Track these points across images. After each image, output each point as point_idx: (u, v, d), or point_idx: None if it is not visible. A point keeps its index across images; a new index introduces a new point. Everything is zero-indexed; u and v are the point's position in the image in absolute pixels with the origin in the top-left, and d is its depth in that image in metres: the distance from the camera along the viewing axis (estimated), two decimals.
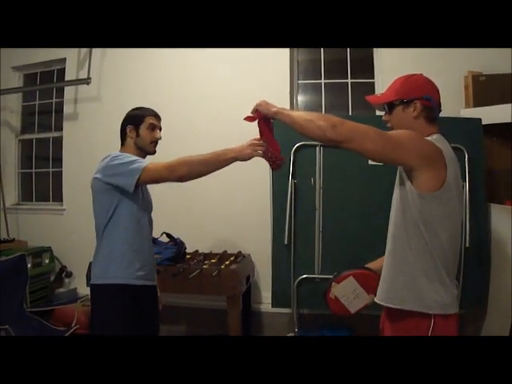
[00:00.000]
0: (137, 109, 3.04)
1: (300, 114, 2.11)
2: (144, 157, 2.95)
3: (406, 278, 2.12)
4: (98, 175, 2.78)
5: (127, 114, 3.01)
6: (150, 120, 2.95)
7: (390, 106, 2.25)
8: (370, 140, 1.98)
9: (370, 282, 2.49)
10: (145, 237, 2.92)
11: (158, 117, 3.03)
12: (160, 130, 3.02)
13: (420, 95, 2.17)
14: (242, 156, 2.63)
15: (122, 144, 3.00)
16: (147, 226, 2.97)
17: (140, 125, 2.93)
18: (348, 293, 2.59)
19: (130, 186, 2.68)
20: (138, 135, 2.93)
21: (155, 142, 2.98)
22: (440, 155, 2.04)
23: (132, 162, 2.71)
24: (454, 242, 2.15)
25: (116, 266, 2.80)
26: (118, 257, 2.80)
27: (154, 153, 3.00)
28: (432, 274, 2.09)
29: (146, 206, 2.97)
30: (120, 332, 2.68)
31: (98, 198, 2.84)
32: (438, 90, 2.22)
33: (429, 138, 2.12)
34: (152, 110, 3.02)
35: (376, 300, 2.26)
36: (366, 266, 2.61)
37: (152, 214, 3.08)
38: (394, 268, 2.19)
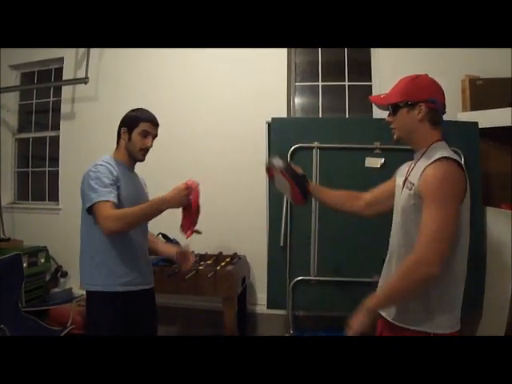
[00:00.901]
0: (135, 110, 2.94)
1: (395, 284, 2.07)
2: (133, 164, 2.94)
3: (419, 300, 2.08)
4: (82, 181, 2.76)
5: (125, 115, 2.93)
6: (144, 126, 2.85)
7: (394, 108, 2.22)
8: (449, 243, 2.00)
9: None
10: (128, 242, 2.82)
11: (154, 123, 2.91)
12: (154, 137, 2.93)
13: (426, 98, 2.14)
14: (174, 205, 2.70)
15: (117, 145, 2.94)
16: (135, 232, 2.87)
17: (133, 129, 2.84)
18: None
19: (86, 211, 2.69)
20: (129, 139, 2.85)
21: (144, 150, 2.89)
22: (465, 176, 2.06)
23: (94, 189, 2.65)
24: (465, 254, 2.13)
25: (98, 274, 2.78)
26: (99, 265, 2.78)
27: (141, 161, 2.95)
28: (444, 294, 2.09)
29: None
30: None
31: (82, 201, 2.79)
32: (443, 93, 2.20)
33: (436, 147, 2.14)
34: (149, 116, 2.92)
35: (387, 317, 2.23)
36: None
37: None
38: None
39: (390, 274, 2.26)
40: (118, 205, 2.70)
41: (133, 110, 2.95)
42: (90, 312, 2.85)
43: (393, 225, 2.33)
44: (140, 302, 2.88)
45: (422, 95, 2.15)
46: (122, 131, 2.88)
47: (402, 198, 2.19)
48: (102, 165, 2.74)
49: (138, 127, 2.84)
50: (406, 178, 2.23)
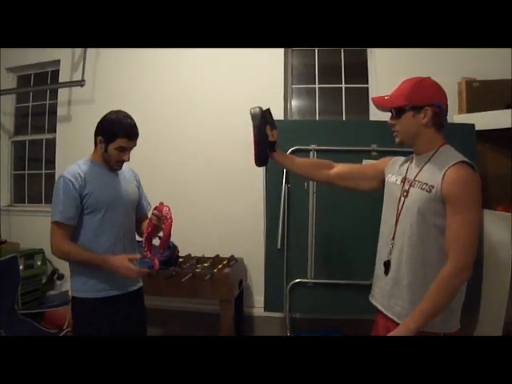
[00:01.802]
0: (112, 123, 2.77)
1: (438, 298, 2.05)
2: (110, 168, 2.88)
3: None
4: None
5: (101, 124, 2.81)
6: (120, 143, 2.75)
7: (399, 111, 2.21)
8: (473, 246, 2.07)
9: None
10: (108, 248, 2.79)
11: (131, 138, 2.80)
12: (131, 148, 2.86)
13: (431, 102, 2.15)
14: (117, 272, 2.71)
15: (95, 147, 2.88)
16: (115, 234, 2.86)
17: (110, 143, 2.76)
18: None
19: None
20: (106, 150, 2.78)
21: (121, 162, 2.86)
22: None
23: (57, 204, 2.71)
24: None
25: (77, 281, 2.80)
26: (75, 272, 2.80)
27: (118, 170, 2.91)
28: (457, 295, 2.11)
29: (116, 210, 2.86)
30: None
31: None
32: (446, 96, 2.21)
33: (446, 150, 2.18)
34: (126, 131, 2.76)
35: (395, 318, 2.23)
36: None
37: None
38: (414, 290, 2.17)
39: (398, 275, 2.23)
40: (92, 206, 2.75)
41: (110, 119, 2.80)
42: (74, 318, 2.86)
43: (388, 223, 2.34)
44: (126, 305, 2.87)
45: (428, 99, 2.16)
46: (98, 140, 2.81)
47: (414, 199, 2.17)
48: (65, 177, 2.76)
49: (114, 142, 2.76)
50: (407, 178, 2.23)
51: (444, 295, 2.04)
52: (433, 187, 2.09)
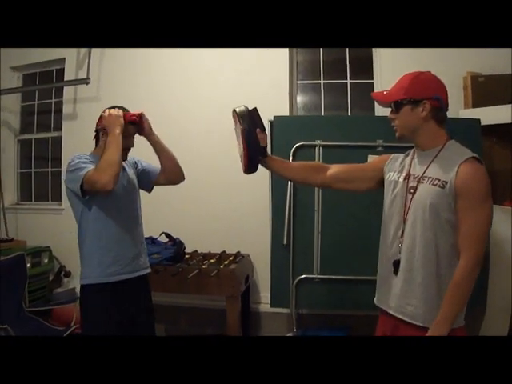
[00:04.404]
0: (109, 109, 2.88)
1: (455, 301, 2.06)
2: None
3: (440, 298, 2.09)
4: (65, 180, 2.79)
5: (101, 118, 2.86)
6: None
7: (397, 105, 2.20)
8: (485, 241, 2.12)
9: None
10: (117, 232, 2.84)
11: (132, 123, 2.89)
12: (134, 135, 2.95)
13: (430, 95, 2.13)
14: (111, 125, 2.76)
15: (97, 144, 2.93)
16: (122, 219, 2.88)
17: None
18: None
19: (79, 193, 2.67)
20: (108, 134, 2.78)
21: (127, 150, 2.90)
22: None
23: (80, 168, 2.66)
24: None
25: (88, 267, 2.82)
26: (88, 257, 2.82)
27: (132, 145, 2.94)
28: None
29: (122, 197, 2.89)
30: (104, 329, 2.73)
31: (69, 201, 2.84)
32: (446, 90, 2.19)
33: (453, 146, 2.19)
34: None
35: (401, 316, 2.22)
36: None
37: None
38: (428, 288, 2.15)
39: (409, 274, 2.21)
40: (99, 197, 2.73)
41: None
42: (84, 307, 2.87)
43: (393, 221, 2.31)
44: (131, 289, 2.90)
45: (425, 92, 2.15)
46: (101, 133, 2.87)
47: (425, 195, 2.14)
48: (75, 156, 2.77)
49: None
50: (411, 175, 2.23)
51: (463, 294, 2.05)
52: (446, 183, 2.07)
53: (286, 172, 2.65)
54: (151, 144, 3.05)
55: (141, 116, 2.94)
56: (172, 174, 3.13)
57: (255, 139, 2.41)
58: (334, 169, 2.59)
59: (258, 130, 2.43)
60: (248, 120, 2.40)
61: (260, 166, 2.54)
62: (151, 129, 3.01)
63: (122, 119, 2.76)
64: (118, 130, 2.71)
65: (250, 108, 2.46)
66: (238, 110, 2.44)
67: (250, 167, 2.46)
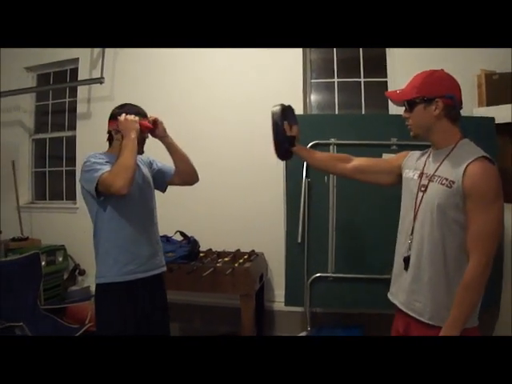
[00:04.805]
0: (120, 107, 2.94)
1: (466, 303, 2.05)
2: None
3: (453, 296, 2.09)
4: (80, 179, 2.79)
5: (112, 116, 2.92)
6: None
7: (411, 104, 2.21)
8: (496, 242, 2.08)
9: None
10: (133, 231, 2.85)
11: (142, 114, 2.91)
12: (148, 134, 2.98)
13: (442, 93, 2.13)
14: (127, 130, 2.76)
15: (110, 144, 2.96)
16: (138, 218, 2.89)
17: None
18: None
19: (94, 194, 2.68)
20: (123, 137, 2.79)
21: (142, 143, 2.92)
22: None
23: (95, 170, 2.67)
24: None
25: (103, 266, 2.82)
26: (104, 256, 2.82)
27: (142, 153, 2.96)
28: None
29: (137, 196, 2.89)
30: (118, 328, 2.74)
31: (84, 200, 2.85)
32: (459, 88, 2.19)
33: (465, 144, 2.17)
34: (135, 108, 2.92)
35: (416, 316, 2.22)
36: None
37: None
38: (435, 286, 2.16)
39: (418, 271, 2.22)
40: (115, 196, 2.71)
41: (117, 108, 2.96)
42: (99, 307, 2.88)
43: (407, 218, 2.33)
44: (146, 288, 2.90)
45: (438, 91, 2.15)
46: (113, 132, 2.91)
47: (434, 195, 2.15)
48: (90, 156, 2.78)
49: None
50: (424, 173, 2.23)
51: (473, 295, 2.04)
52: (453, 183, 2.07)
53: (311, 160, 2.82)
54: (165, 146, 3.07)
55: (155, 121, 2.97)
56: (186, 175, 3.16)
57: (281, 129, 2.68)
58: (356, 160, 2.67)
59: (285, 122, 2.67)
60: (278, 115, 2.70)
61: (279, 161, 2.94)
62: (165, 131, 3.03)
63: (137, 124, 2.78)
64: (133, 135, 2.72)
65: (285, 105, 2.76)
66: (273, 108, 2.73)
67: (279, 153, 2.79)
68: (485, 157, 2.08)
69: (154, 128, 2.94)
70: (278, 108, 2.72)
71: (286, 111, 2.73)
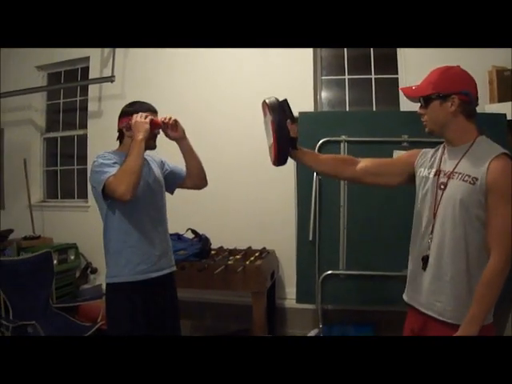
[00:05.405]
0: (130, 105, 2.94)
1: (485, 300, 2.03)
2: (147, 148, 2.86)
3: (472, 295, 2.07)
4: (89, 179, 2.80)
5: (122, 114, 2.92)
6: None
7: (426, 100, 2.19)
8: None
9: None
10: (144, 230, 2.85)
11: (153, 111, 2.90)
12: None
13: (458, 90, 2.11)
14: (139, 131, 2.71)
15: (121, 142, 2.96)
16: (148, 218, 2.89)
17: None
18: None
19: (101, 196, 2.69)
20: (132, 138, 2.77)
21: (154, 138, 2.90)
22: None
23: (102, 172, 2.66)
24: None
25: (115, 266, 2.83)
26: (116, 256, 2.82)
27: (154, 148, 2.94)
28: None
29: (147, 196, 2.89)
30: (129, 327, 2.75)
31: (95, 199, 2.85)
32: (475, 85, 2.16)
33: (483, 141, 2.15)
34: (145, 105, 2.91)
35: (439, 317, 2.18)
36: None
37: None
38: (458, 285, 2.14)
39: (438, 270, 2.19)
40: (116, 203, 2.73)
41: (127, 105, 2.95)
42: (109, 306, 2.89)
43: (424, 217, 2.28)
44: (158, 288, 2.91)
45: (454, 87, 2.12)
46: (124, 130, 2.89)
47: (455, 191, 2.12)
48: (99, 155, 2.78)
49: None
50: (441, 170, 2.21)
51: (493, 292, 2.02)
52: (476, 179, 2.05)
53: (315, 165, 2.59)
54: (181, 148, 3.04)
55: (174, 122, 2.94)
56: (198, 179, 3.14)
57: (285, 131, 2.34)
58: (363, 162, 2.54)
59: (288, 121, 2.35)
60: (278, 111, 2.33)
61: (289, 159, 2.48)
62: (184, 133, 3.01)
63: (147, 125, 2.74)
64: (141, 136, 2.68)
65: (280, 99, 2.38)
66: (268, 101, 2.38)
67: (279, 159, 2.41)
68: (506, 153, 2.07)
69: (162, 126, 2.90)
70: (274, 101, 2.36)
71: (283, 105, 2.37)
